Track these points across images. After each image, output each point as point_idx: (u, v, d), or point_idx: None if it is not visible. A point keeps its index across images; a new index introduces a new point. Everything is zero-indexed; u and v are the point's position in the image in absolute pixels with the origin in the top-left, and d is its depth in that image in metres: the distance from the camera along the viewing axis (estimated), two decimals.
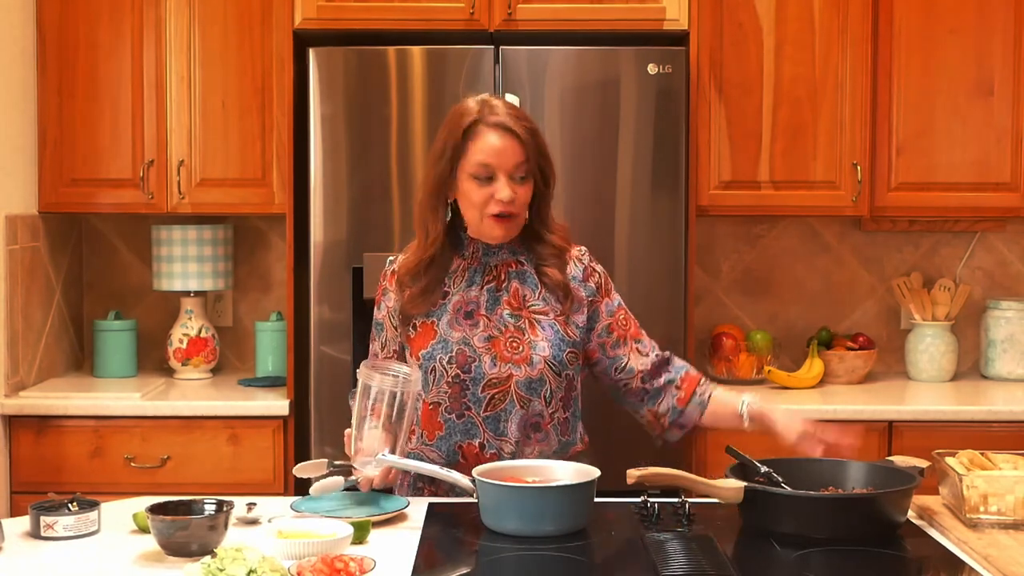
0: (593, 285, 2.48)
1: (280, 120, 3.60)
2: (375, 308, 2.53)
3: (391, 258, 2.54)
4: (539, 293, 2.44)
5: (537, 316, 2.42)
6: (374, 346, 2.53)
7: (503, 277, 2.44)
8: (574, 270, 2.47)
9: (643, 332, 2.53)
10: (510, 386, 2.38)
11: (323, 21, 3.43)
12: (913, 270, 4.03)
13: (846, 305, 4.06)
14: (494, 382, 2.38)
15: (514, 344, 2.39)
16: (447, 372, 2.38)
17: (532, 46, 3.40)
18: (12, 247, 3.48)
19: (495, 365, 2.38)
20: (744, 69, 3.62)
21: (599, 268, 2.52)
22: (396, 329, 2.47)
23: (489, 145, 2.34)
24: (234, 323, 4.08)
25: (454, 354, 2.38)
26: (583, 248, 2.53)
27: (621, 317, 2.50)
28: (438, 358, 2.38)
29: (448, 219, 2.44)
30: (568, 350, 2.42)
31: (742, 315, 4.05)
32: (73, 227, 3.96)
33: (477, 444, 2.39)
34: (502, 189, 2.34)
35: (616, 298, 2.52)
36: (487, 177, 2.35)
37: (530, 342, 2.40)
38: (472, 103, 2.40)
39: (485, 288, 2.43)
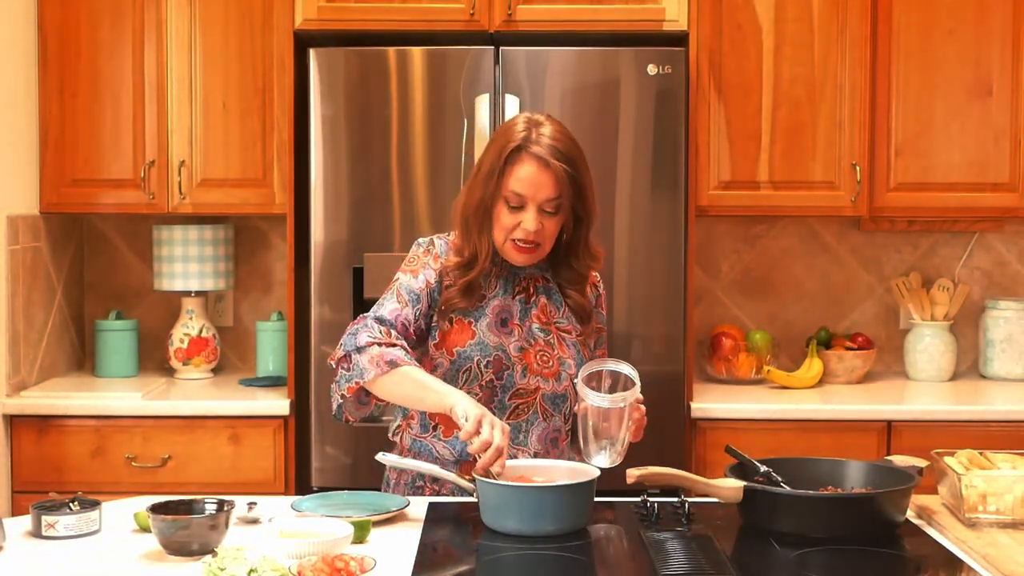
0: (604, 313, 2.57)
1: (281, 120, 3.60)
2: (409, 276, 2.42)
3: (428, 239, 2.50)
4: (563, 311, 2.48)
5: (563, 333, 2.46)
6: (406, 311, 2.38)
7: (532, 290, 2.47)
8: (591, 295, 2.53)
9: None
10: (536, 398, 2.42)
11: (324, 22, 3.44)
12: (912, 270, 4.03)
13: (845, 305, 4.07)
14: (521, 392, 2.40)
15: (544, 358, 2.43)
16: (482, 375, 2.39)
17: (532, 47, 3.40)
18: (13, 247, 3.49)
19: (525, 376, 2.41)
20: (743, 70, 3.63)
21: (604, 297, 2.60)
22: (430, 308, 2.42)
23: (525, 175, 2.34)
24: (235, 323, 4.08)
25: (491, 359, 2.39)
26: (596, 274, 2.57)
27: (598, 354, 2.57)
28: (475, 359, 2.39)
29: None
30: None
31: (741, 315, 4.06)
32: (74, 227, 3.97)
33: None
34: (529, 220, 2.35)
35: (603, 334, 2.60)
36: (518, 205, 2.36)
37: (559, 358, 2.44)
38: (521, 124, 2.38)
39: (517, 298, 2.46)
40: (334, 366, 2.38)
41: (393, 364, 2.29)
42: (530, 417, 2.41)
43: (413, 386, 2.29)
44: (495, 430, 2.16)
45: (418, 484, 2.46)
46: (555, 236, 2.42)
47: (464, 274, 2.41)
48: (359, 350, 2.32)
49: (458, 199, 2.47)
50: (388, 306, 2.40)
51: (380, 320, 2.37)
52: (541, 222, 2.36)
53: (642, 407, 2.35)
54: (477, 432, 2.15)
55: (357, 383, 2.31)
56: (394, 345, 2.33)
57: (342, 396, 2.35)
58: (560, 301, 2.48)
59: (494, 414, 2.38)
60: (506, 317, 2.43)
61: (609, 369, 2.30)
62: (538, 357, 2.42)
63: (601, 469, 2.23)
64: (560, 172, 2.34)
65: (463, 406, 2.20)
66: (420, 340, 2.44)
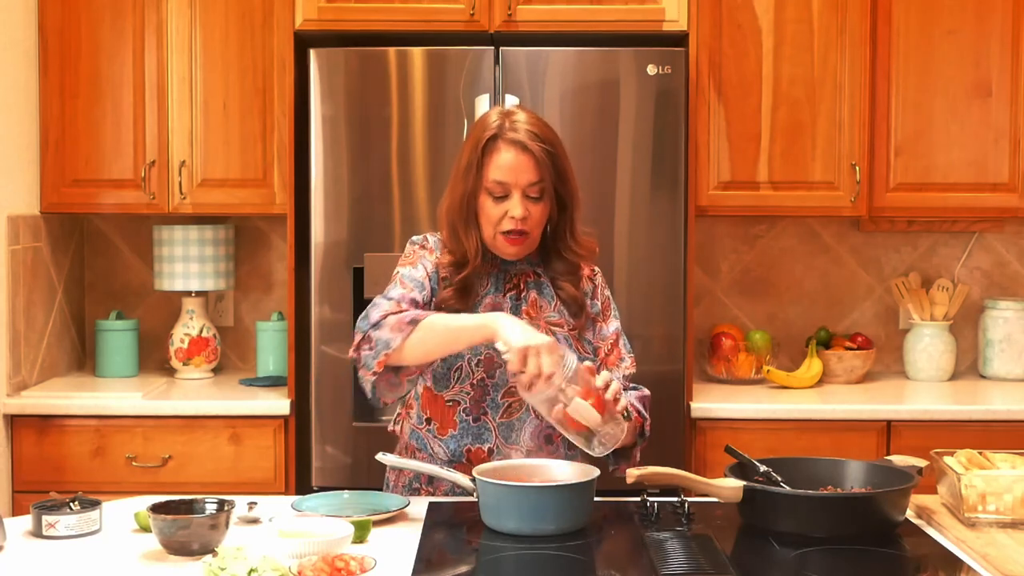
0: (599, 305, 2.52)
1: (281, 121, 3.61)
2: (409, 268, 2.41)
3: (422, 236, 2.49)
4: (555, 305, 2.46)
5: (553, 328, 2.44)
6: (412, 295, 2.35)
7: (522, 286, 2.46)
8: (585, 287, 2.51)
9: (623, 363, 2.51)
10: None
11: (324, 22, 3.44)
12: (911, 270, 4.04)
13: (845, 305, 4.07)
14: (513, 390, 2.38)
15: None
16: (473, 374, 2.39)
17: (532, 47, 3.40)
18: (14, 247, 3.49)
19: None
20: (743, 70, 3.63)
21: (606, 292, 2.55)
22: (433, 295, 2.40)
23: (504, 162, 2.34)
24: (235, 323, 4.09)
25: (482, 358, 2.39)
26: (596, 268, 2.55)
27: (609, 343, 2.51)
28: (466, 358, 2.38)
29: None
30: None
31: (741, 315, 4.06)
32: (75, 227, 3.97)
33: (486, 449, 2.39)
34: (515, 206, 2.34)
35: (613, 324, 2.53)
36: (502, 195, 2.35)
37: None
38: (494, 116, 2.38)
39: (508, 295, 2.45)
40: (355, 354, 2.30)
41: (414, 321, 2.24)
42: (522, 415, 2.40)
43: (444, 332, 2.25)
44: (540, 358, 2.13)
45: (415, 486, 2.46)
46: (542, 223, 2.41)
47: (457, 273, 2.40)
48: (376, 326, 2.27)
49: (441, 202, 2.46)
50: (394, 292, 2.36)
51: (387, 299, 2.34)
52: (527, 208, 2.35)
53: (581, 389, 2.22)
54: (523, 366, 2.14)
55: (386, 355, 2.24)
56: (406, 311, 2.29)
57: (374, 374, 2.27)
58: (552, 295, 2.46)
59: (486, 413, 2.38)
60: None
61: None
62: None
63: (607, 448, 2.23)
64: (540, 153, 2.33)
65: (504, 336, 2.17)
66: None
